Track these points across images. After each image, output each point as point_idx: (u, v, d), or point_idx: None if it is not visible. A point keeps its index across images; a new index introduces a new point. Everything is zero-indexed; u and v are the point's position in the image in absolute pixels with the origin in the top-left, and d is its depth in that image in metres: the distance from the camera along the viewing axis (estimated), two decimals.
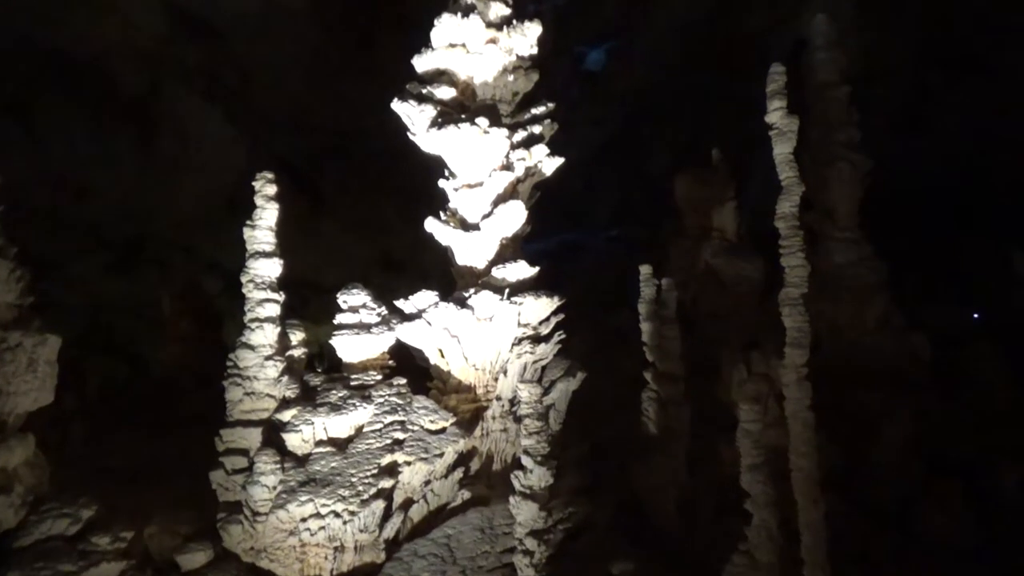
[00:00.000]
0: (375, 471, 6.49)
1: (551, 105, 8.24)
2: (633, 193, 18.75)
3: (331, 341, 7.47)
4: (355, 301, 7.57)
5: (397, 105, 7.81)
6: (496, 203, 7.72)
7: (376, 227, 15.34)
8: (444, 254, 8.20)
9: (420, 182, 9.57)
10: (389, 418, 6.91)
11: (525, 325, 7.57)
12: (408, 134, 8.02)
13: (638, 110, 18.81)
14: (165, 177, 13.27)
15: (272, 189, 7.48)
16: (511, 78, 8.02)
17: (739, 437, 5.44)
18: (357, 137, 14.78)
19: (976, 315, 12.72)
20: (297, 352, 7.61)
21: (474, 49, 7.78)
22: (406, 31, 9.65)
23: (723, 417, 6.99)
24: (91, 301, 13.74)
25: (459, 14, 7.72)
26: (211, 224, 13.64)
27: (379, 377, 7.31)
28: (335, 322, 7.52)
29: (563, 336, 7.87)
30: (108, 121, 12.95)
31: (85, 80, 12.73)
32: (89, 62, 12.65)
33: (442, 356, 7.65)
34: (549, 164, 8.11)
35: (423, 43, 7.99)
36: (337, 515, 6.20)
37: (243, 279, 7.30)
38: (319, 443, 6.75)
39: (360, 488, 6.34)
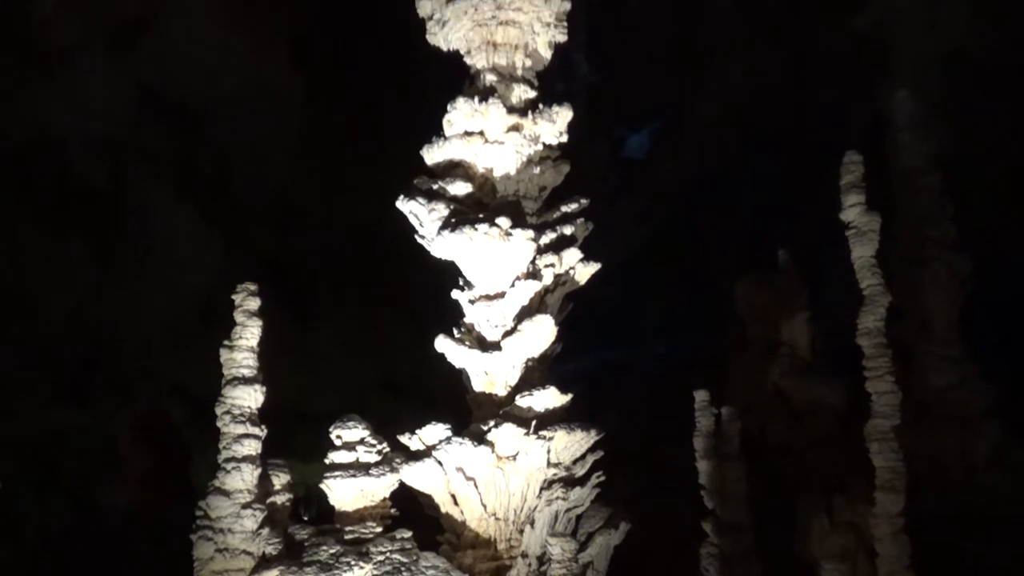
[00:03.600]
0: None
1: (585, 201, 8.41)
2: (685, 302, 18.81)
3: (321, 484, 7.48)
4: (351, 436, 7.60)
5: (403, 204, 8.04)
6: (520, 317, 7.83)
7: (375, 344, 15.47)
8: (457, 378, 8.28)
9: (429, 291, 9.73)
10: None
11: (556, 465, 7.55)
12: (416, 236, 8.22)
13: (689, 203, 19.07)
14: (126, 285, 13.56)
15: (255, 303, 7.62)
16: (537, 170, 8.25)
17: None
18: (354, 235, 15.07)
19: None
20: (280, 498, 7.62)
21: (493, 138, 8.03)
22: (414, 112, 9.98)
23: None
24: (32, 433, 13.83)
25: (476, 98, 7.99)
26: (179, 339, 13.83)
27: (379, 529, 7.28)
28: (326, 461, 7.53)
29: (602, 478, 7.83)
30: (60, 219, 13.33)
31: (33, 171, 13.15)
32: (39, 150, 13.10)
33: (455, 503, 7.64)
34: (583, 270, 8.25)
35: (434, 127, 8.27)
36: None
37: (218, 410, 7.38)
38: None
39: None
